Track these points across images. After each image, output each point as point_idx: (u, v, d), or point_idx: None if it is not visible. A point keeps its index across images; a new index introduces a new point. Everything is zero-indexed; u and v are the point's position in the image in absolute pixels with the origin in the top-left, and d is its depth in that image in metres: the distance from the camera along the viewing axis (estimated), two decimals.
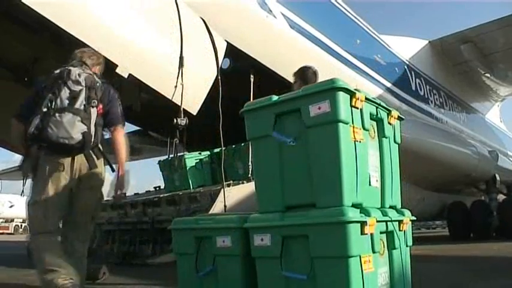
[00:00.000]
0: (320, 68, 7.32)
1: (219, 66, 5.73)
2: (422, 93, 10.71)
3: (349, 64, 7.96)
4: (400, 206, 2.64)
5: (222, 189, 5.81)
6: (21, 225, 36.32)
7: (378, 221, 2.17)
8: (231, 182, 6.44)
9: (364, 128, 2.29)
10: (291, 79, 7.07)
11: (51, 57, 7.50)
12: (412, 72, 10.52)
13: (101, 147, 2.80)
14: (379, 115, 2.47)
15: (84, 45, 4.55)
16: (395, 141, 2.66)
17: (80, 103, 2.62)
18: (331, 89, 2.14)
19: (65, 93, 2.61)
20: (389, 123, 2.59)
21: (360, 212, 2.14)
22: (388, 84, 9.23)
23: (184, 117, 5.28)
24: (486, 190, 12.52)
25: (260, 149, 2.42)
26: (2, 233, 31.90)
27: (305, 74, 4.57)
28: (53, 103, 2.57)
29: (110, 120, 2.85)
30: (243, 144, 7.37)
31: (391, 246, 2.37)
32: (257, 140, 2.43)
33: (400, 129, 2.75)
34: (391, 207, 2.54)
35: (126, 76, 4.75)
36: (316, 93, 2.18)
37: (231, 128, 6.14)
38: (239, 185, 6.39)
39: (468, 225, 11.98)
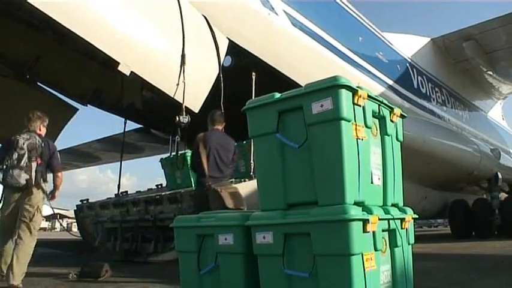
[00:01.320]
0: (322, 65, 7.36)
1: (221, 63, 5.73)
2: (424, 91, 10.69)
3: (351, 62, 7.94)
4: (402, 204, 2.64)
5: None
6: None
7: (380, 219, 2.17)
8: (233, 180, 6.44)
9: (366, 126, 2.28)
10: (293, 77, 7.10)
11: (53, 55, 7.53)
12: (414, 70, 10.50)
13: (41, 183, 4.43)
14: (381, 113, 2.46)
15: (86, 43, 4.57)
16: (397, 139, 2.65)
17: (23, 161, 4.29)
18: (333, 87, 2.13)
19: (14, 155, 4.27)
20: (391, 120, 2.58)
21: (362, 210, 2.14)
22: (390, 82, 9.22)
23: (186, 115, 5.27)
24: (488, 188, 12.50)
25: (262, 146, 2.42)
26: None
27: (212, 116, 5.01)
28: (8, 162, 4.26)
29: (52, 168, 4.60)
30: (244, 142, 7.37)
31: (393, 244, 2.36)
32: (259, 137, 2.43)
33: (403, 127, 2.74)
34: (393, 205, 2.53)
35: (128, 74, 4.75)
36: (318, 90, 2.17)
37: (233, 125, 6.15)
38: (241, 183, 6.39)
39: (470, 223, 11.96)
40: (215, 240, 2.52)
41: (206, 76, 5.57)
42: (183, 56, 5.19)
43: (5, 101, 7.52)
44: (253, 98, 6.73)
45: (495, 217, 11.50)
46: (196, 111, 5.50)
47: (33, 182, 4.34)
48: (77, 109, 8.64)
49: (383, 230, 2.26)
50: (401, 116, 2.70)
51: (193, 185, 6.25)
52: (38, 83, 7.91)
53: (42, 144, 4.43)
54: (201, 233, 2.63)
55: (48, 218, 37.29)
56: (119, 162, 9.66)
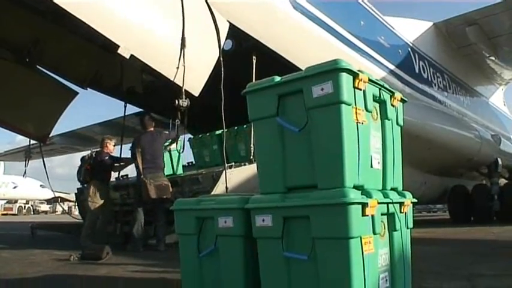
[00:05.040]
0: (323, 49, 7.31)
1: (221, 47, 5.69)
2: (425, 76, 10.63)
3: (352, 46, 7.88)
4: (401, 189, 2.64)
5: (224, 171, 5.83)
6: (24, 206, 36.60)
7: (379, 203, 2.17)
8: (233, 163, 6.47)
9: (366, 110, 2.27)
10: (294, 61, 7.06)
11: (53, 38, 7.48)
12: (416, 55, 10.42)
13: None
14: (382, 97, 2.45)
15: (86, 26, 4.53)
16: (397, 124, 2.65)
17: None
18: (334, 70, 2.12)
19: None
20: (392, 105, 2.57)
21: (361, 194, 2.14)
22: (391, 67, 9.16)
23: (186, 98, 5.26)
24: (488, 174, 12.53)
25: (262, 130, 2.41)
26: (6, 214, 32.18)
27: (142, 120, 6.79)
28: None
29: None
30: (245, 126, 7.38)
31: (392, 228, 2.37)
32: (259, 121, 2.42)
33: (403, 111, 2.73)
34: (392, 189, 2.54)
35: (127, 57, 4.72)
36: (319, 74, 2.16)
37: (234, 109, 6.13)
38: (241, 166, 6.42)
39: (469, 209, 12.04)
40: (215, 223, 2.53)
41: (206, 59, 5.53)
42: (183, 39, 5.15)
43: (5, 85, 7.50)
44: (253, 81, 6.78)
45: (494, 203, 11.56)
46: (197, 94, 5.49)
47: None
48: (77, 93, 8.62)
49: (382, 214, 2.27)
50: (402, 101, 2.69)
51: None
52: (38, 67, 7.87)
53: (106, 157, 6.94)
54: (201, 215, 2.64)
55: (49, 201, 37.56)
56: (119, 146, 9.69)
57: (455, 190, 12.68)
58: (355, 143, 2.16)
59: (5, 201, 36.53)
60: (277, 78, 2.35)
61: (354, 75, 2.18)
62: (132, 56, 4.75)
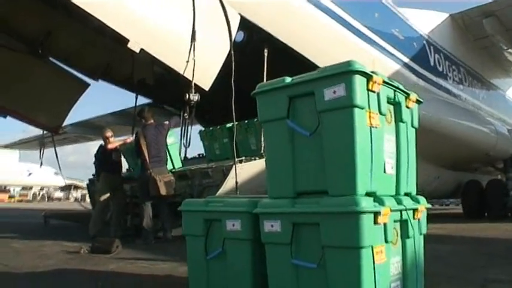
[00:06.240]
0: (336, 43, 7.17)
1: (233, 40, 5.60)
2: (441, 69, 10.40)
3: (366, 38, 7.72)
4: (415, 193, 2.56)
5: (234, 166, 5.78)
6: (39, 193, 37.18)
7: (392, 210, 2.10)
8: (243, 158, 6.41)
9: (380, 113, 2.19)
10: (307, 54, 6.95)
11: (64, 30, 7.48)
12: (431, 47, 10.19)
13: None
14: (396, 99, 2.37)
15: (96, 20, 4.49)
16: (412, 126, 2.56)
17: None
18: (347, 72, 2.03)
19: None
20: (407, 106, 2.49)
21: (374, 201, 2.07)
22: (406, 60, 8.97)
23: (195, 93, 5.20)
24: (504, 169, 12.29)
25: (272, 132, 2.35)
26: (21, 200, 32.74)
27: (142, 113, 6.62)
28: None
29: None
30: (256, 119, 7.31)
31: (404, 235, 2.30)
32: (269, 123, 2.35)
33: (418, 112, 2.64)
34: (406, 194, 2.46)
35: (137, 51, 4.67)
36: (331, 76, 2.08)
37: (245, 102, 6.05)
38: (251, 161, 6.36)
39: (483, 204, 11.84)
40: (223, 225, 2.49)
41: (217, 53, 5.45)
42: (193, 33, 5.08)
43: (18, 77, 7.54)
44: (265, 74, 6.69)
45: (509, 199, 11.34)
46: (207, 89, 5.42)
47: None
48: (89, 84, 8.63)
49: (395, 221, 2.20)
50: (417, 102, 2.59)
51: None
52: (50, 59, 7.88)
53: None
54: (209, 217, 2.60)
55: (63, 189, 38.10)
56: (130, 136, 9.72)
57: (469, 185, 12.46)
58: (368, 148, 2.09)
59: (21, 187, 37.15)
60: (288, 79, 2.28)
61: (368, 77, 2.09)
62: (142, 50, 4.70)
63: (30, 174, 34.72)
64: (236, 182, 5.64)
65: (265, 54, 6.71)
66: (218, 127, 8.17)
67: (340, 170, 2.07)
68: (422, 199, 2.52)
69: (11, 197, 34.79)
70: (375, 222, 2.00)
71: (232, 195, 2.73)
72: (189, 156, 9.22)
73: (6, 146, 23.78)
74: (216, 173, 6.43)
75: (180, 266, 3.80)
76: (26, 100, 7.75)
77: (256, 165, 6.22)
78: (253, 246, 2.37)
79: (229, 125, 7.57)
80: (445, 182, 11.87)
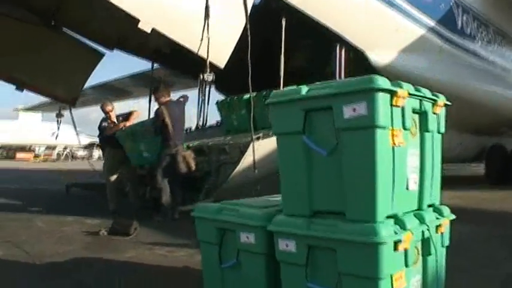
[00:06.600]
0: (357, 9, 6.79)
1: (248, 13, 5.33)
2: (468, 31, 9.85)
3: (389, 2, 7.29)
4: (439, 202, 2.43)
5: (252, 143, 5.68)
6: (63, 152, 38.01)
7: (413, 233, 1.98)
8: (261, 135, 6.28)
9: (405, 128, 2.02)
10: (326, 22, 6.62)
11: (76, 1, 7.28)
12: (459, 8, 9.60)
13: None
14: (422, 108, 2.18)
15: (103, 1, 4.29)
16: (439, 132, 2.38)
17: None
18: (368, 90, 1.86)
19: None
20: (434, 113, 2.30)
21: (395, 223, 1.96)
22: (432, 23, 8.49)
23: (210, 72, 5.04)
24: None
25: (287, 146, 2.21)
26: (46, 160, 33.61)
27: (161, 91, 6.35)
28: None
29: None
30: (274, 90, 7.10)
31: (426, 252, 2.19)
32: (283, 136, 2.21)
33: (446, 115, 2.44)
34: (429, 205, 2.33)
35: (149, 31, 4.50)
36: (351, 93, 1.90)
37: (263, 71, 5.85)
38: (268, 138, 6.23)
39: (507, 169, 11.56)
40: (236, 236, 2.42)
41: (232, 29, 5.21)
42: (206, 8, 4.84)
43: (33, 49, 7.45)
44: (282, 45, 6.43)
45: None
46: (222, 66, 5.26)
47: None
48: (104, 54, 8.50)
49: (416, 241, 2.08)
50: (445, 105, 2.40)
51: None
52: (64, 30, 7.73)
53: None
54: (222, 227, 2.53)
55: (86, 147, 38.84)
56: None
57: (494, 149, 12.14)
58: (389, 169, 1.94)
59: (45, 147, 38.00)
60: (304, 90, 2.10)
61: (392, 93, 1.91)
62: (153, 29, 4.52)
63: (53, 134, 35.34)
64: (254, 161, 5.56)
65: (283, 22, 6.44)
66: (235, 98, 8.02)
67: (359, 193, 1.94)
68: (445, 210, 2.39)
69: (36, 156, 35.74)
70: (395, 249, 1.89)
71: (247, 200, 2.56)
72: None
73: (28, 109, 24.15)
74: (233, 149, 6.35)
75: (196, 253, 3.76)
76: (42, 73, 7.71)
77: (274, 142, 6.08)
78: (268, 261, 2.30)
79: (246, 96, 7.41)
80: (468, 147, 11.56)
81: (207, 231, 2.60)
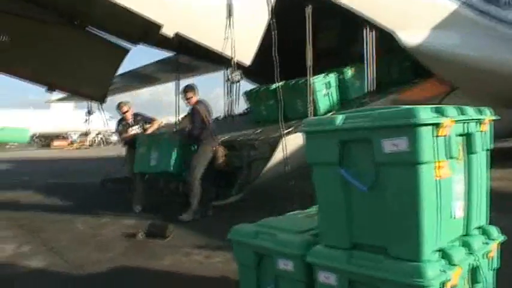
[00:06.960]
0: None
1: (272, 8, 5.17)
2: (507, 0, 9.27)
3: None
4: (486, 221, 2.30)
5: (281, 139, 5.62)
6: (95, 139, 38.84)
7: (462, 267, 1.88)
8: (290, 129, 6.16)
9: (450, 157, 1.89)
10: (352, 4, 6.38)
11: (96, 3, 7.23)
12: None
13: None
14: (469, 130, 2.04)
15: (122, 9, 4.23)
16: (486, 149, 2.23)
17: None
18: (409, 125, 1.73)
19: None
20: (480, 131, 2.15)
21: (441, 257, 1.86)
22: None
23: (238, 71, 4.95)
24: None
25: (323, 176, 2.12)
26: (80, 148, 34.46)
27: (193, 89, 6.05)
28: None
29: None
30: (302, 80, 6.96)
31: (474, 280, 2.09)
32: (320, 166, 2.12)
33: (493, 130, 2.28)
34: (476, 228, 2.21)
35: (172, 36, 4.43)
36: (391, 127, 1.78)
37: (291, 60, 5.69)
38: (297, 132, 6.12)
39: None
40: (274, 262, 2.38)
41: (256, 25, 5.08)
42: (229, 7, 4.72)
43: (61, 50, 7.51)
44: (308, 35, 6.23)
45: None
46: (248, 63, 5.16)
47: None
48: (129, 49, 8.47)
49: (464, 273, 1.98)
50: (492, 120, 2.24)
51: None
52: (88, 29, 7.74)
53: None
54: (259, 251, 2.49)
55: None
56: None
57: None
58: (434, 203, 1.83)
59: (79, 134, 38.94)
60: (339, 120, 1.99)
61: (436, 125, 1.78)
62: (176, 34, 4.44)
63: (86, 120, 36.07)
64: (285, 158, 5.51)
65: (309, 11, 6.23)
66: (263, 88, 7.91)
67: (403, 230, 1.85)
68: (494, 231, 2.26)
69: (71, 143, 36.77)
70: (443, 286, 1.80)
71: (281, 220, 2.44)
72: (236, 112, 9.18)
73: (60, 99, 24.67)
74: (262, 145, 6.28)
75: (231, 259, 3.77)
76: (70, 73, 7.78)
77: (301, 137, 5.98)
78: None
79: (273, 86, 7.27)
80: (506, 121, 11.04)
81: (245, 255, 2.57)
